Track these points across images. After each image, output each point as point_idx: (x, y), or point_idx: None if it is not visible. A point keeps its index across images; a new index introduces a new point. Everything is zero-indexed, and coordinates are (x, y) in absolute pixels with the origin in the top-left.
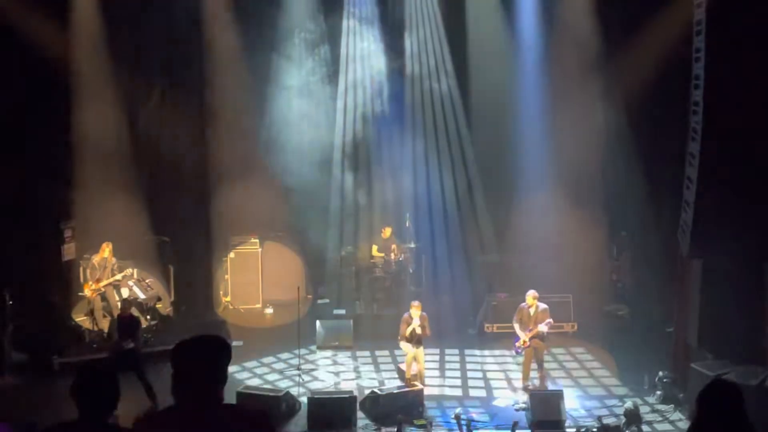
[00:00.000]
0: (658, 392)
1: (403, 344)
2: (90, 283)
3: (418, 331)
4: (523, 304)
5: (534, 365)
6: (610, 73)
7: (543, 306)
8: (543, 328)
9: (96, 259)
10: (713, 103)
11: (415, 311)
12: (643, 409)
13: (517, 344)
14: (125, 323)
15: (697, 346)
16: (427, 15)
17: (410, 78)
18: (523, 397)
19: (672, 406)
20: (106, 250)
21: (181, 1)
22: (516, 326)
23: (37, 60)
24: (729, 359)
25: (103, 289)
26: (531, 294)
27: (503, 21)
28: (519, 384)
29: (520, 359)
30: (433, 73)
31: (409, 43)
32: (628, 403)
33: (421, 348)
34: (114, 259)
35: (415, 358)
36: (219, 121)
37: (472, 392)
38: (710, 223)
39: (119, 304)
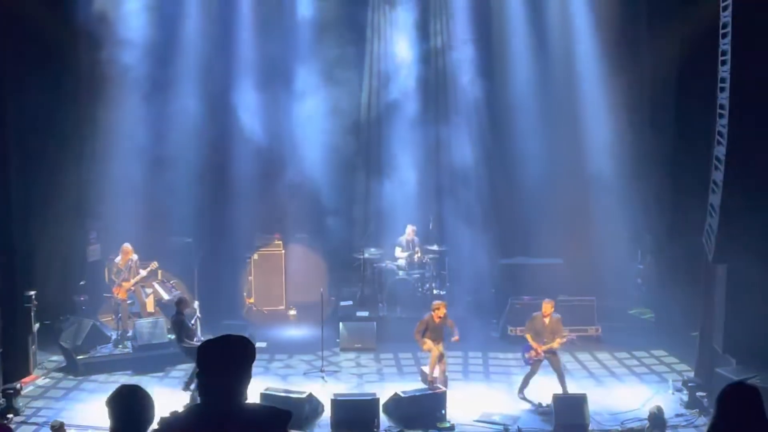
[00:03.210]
0: (683, 397)
1: (425, 343)
2: (119, 285)
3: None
4: (537, 312)
5: (535, 377)
6: (634, 73)
7: (557, 315)
8: (560, 342)
9: (119, 261)
10: (739, 106)
11: (441, 311)
12: (668, 414)
13: (527, 354)
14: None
15: (722, 351)
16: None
17: (434, 72)
18: (545, 401)
19: (696, 410)
20: (128, 251)
21: None
22: (528, 336)
23: (62, 60)
24: (754, 364)
25: (133, 289)
26: (547, 302)
27: (528, 15)
28: (516, 394)
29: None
30: (458, 67)
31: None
32: (653, 407)
33: (442, 344)
34: (136, 256)
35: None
36: (240, 122)
37: (496, 396)
38: (736, 228)
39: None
